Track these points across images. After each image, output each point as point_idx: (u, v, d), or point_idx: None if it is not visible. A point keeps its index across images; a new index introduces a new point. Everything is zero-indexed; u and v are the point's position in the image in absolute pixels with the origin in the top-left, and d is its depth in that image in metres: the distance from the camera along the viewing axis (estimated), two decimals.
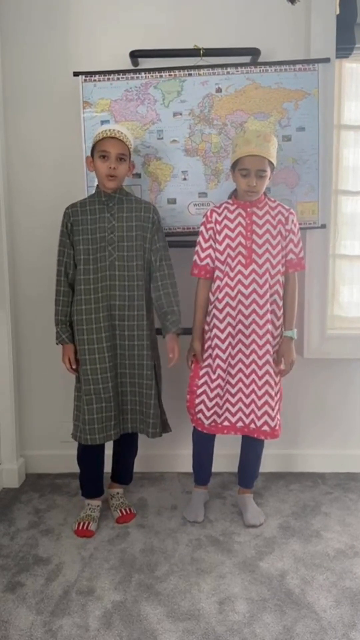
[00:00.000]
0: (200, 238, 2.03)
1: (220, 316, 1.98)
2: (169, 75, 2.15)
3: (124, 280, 1.97)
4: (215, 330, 1.99)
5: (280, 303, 2.00)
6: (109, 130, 1.92)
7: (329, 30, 2.17)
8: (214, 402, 2.00)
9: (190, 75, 2.15)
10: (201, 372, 2.03)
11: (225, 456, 2.32)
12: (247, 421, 2.01)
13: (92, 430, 1.96)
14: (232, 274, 1.96)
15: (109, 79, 2.15)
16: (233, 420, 2.02)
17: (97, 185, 2.02)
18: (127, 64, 2.20)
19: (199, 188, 2.22)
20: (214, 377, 2.00)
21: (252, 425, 2.01)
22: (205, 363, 2.02)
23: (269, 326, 1.96)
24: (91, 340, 1.96)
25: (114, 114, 2.17)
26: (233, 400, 2.02)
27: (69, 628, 1.58)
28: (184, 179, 2.21)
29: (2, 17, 2.22)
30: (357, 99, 2.36)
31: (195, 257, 2.03)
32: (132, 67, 2.20)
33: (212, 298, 2.02)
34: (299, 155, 2.18)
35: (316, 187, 2.20)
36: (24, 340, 2.44)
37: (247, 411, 2.00)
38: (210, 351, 2.01)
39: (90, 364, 1.96)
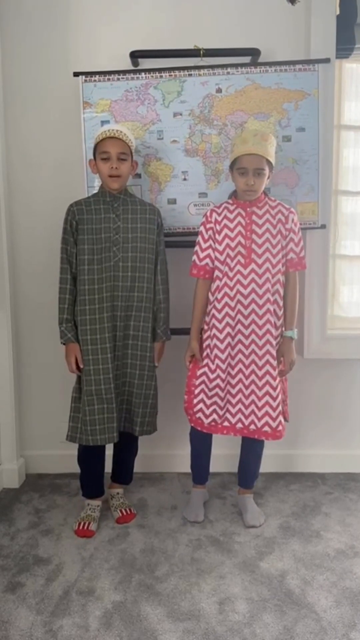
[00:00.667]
0: (199, 238, 2.03)
1: (219, 316, 1.98)
2: (169, 75, 2.15)
3: (127, 281, 1.97)
4: (214, 331, 1.99)
5: (281, 303, 1.99)
6: (109, 130, 1.92)
7: (329, 30, 2.18)
8: (212, 400, 2.00)
9: (190, 75, 2.15)
10: (198, 372, 2.03)
11: (225, 456, 2.32)
12: (246, 422, 2.00)
13: (93, 431, 1.96)
14: (231, 274, 1.96)
15: (109, 79, 2.15)
16: (233, 421, 2.02)
17: (101, 185, 2.01)
18: (128, 64, 2.20)
19: (199, 188, 2.22)
20: (212, 377, 1.99)
21: (252, 427, 2.00)
22: (204, 363, 2.02)
23: (269, 326, 1.95)
24: (94, 341, 1.95)
25: (114, 114, 2.17)
26: (233, 401, 2.01)
27: (69, 628, 1.58)
28: (184, 179, 2.21)
29: (3, 17, 2.22)
30: (357, 99, 2.37)
31: (195, 257, 2.03)
32: (132, 68, 2.20)
33: (211, 298, 2.02)
34: (299, 155, 2.18)
35: (316, 188, 2.20)
36: (24, 340, 2.44)
37: (247, 412, 2.00)
38: (208, 351, 2.01)
39: (93, 364, 1.96)
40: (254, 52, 2.15)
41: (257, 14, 2.20)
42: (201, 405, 2.02)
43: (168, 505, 2.24)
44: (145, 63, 2.20)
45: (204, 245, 2.01)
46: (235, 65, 2.14)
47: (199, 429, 2.05)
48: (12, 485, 2.39)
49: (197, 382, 2.03)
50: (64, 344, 1.99)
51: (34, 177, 2.33)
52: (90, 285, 1.95)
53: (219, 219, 1.99)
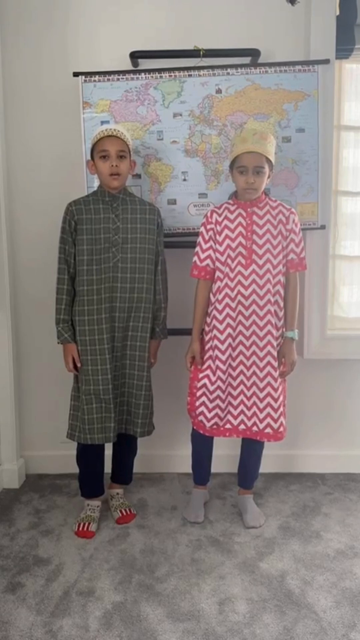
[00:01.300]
0: (200, 239, 2.02)
1: (220, 317, 1.98)
2: (169, 76, 2.15)
3: (127, 282, 1.96)
4: (215, 332, 1.99)
5: (282, 303, 1.99)
6: (106, 129, 1.92)
7: (329, 31, 2.18)
8: (214, 403, 1.99)
9: (190, 76, 2.15)
10: (200, 375, 2.03)
11: (225, 457, 2.32)
12: (249, 424, 2.00)
13: (91, 430, 1.97)
14: (232, 275, 1.96)
15: (109, 79, 2.15)
16: (235, 423, 2.02)
17: (100, 185, 2.01)
18: (127, 65, 2.20)
19: (199, 189, 2.22)
20: (213, 378, 1.99)
21: (255, 428, 2.00)
22: (205, 364, 2.02)
23: (270, 327, 1.95)
24: (93, 341, 1.95)
25: (114, 115, 2.17)
26: (235, 403, 2.01)
27: (69, 629, 1.59)
28: (184, 179, 2.21)
29: (3, 17, 2.22)
30: (356, 100, 2.37)
31: (195, 258, 2.02)
32: (132, 68, 2.20)
33: (212, 299, 2.02)
34: (298, 156, 2.18)
35: (316, 188, 2.20)
36: (24, 340, 2.44)
37: (249, 413, 2.00)
38: (210, 352, 2.01)
39: (92, 365, 1.96)
40: (253, 53, 2.15)
41: (257, 15, 2.20)
42: (203, 408, 2.01)
43: (168, 505, 2.24)
44: (145, 63, 2.20)
45: (204, 246, 2.01)
46: (235, 66, 2.14)
47: (201, 431, 2.05)
48: (12, 485, 2.39)
49: (199, 385, 2.02)
50: (60, 343, 1.99)
51: (34, 177, 2.33)
52: (89, 286, 1.95)
53: (220, 219, 1.98)
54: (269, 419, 1.98)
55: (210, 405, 2.00)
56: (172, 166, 2.20)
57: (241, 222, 1.96)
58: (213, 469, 2.21)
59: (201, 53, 2.14)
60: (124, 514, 2.13)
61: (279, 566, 1.86)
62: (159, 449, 2.44)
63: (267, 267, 1.94)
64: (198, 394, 2.02)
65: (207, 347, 2.02)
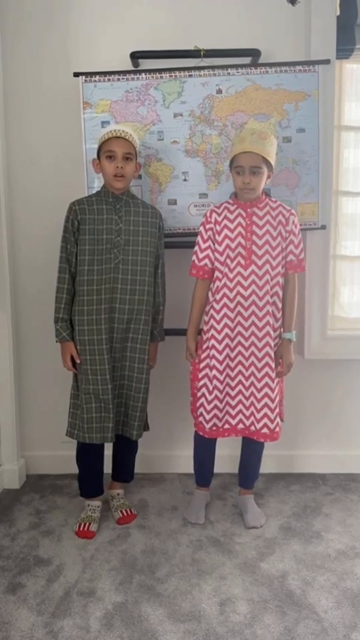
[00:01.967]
0: (199, 238, 2.02)
1: (218, 317, 1.97)
2: (170, 76, 2.15)
3: (127, 283, 1.96)
4: (212, 331, 1.99)
5: (280, 305, 1.99)
6: (115, 130, 1.92)
7: (329, 31, 2.18)
8: (213, 404, 1.99)
9: (190, 76, 2.15)
10: (200, 375, 2.03)
11: (226, 457, 2.32)
12: (247, 423, 2.01)
13: (90, 429, 1.97)
14: (231, 275, 1.96)
15: (109, 79, 2.15)
16: (233, 422, 2.02)
17: (104, 185, 2.01)
18: (128, 65, 2.20)
19: (199, 189, 2.22)
20: (211, 378, 1.99)
21: (253, 428, 2.00)
22: (204, 364, 2.02)
23: (268, 328, 1.95)
24: (91, 341, 1.95)
25: (114, 115, 2.17)
26: (233, 403, 2.01)
27: (70, 629, 1.58)
28: (185, 179, 2.21)
29: (3, 17, 2.22)
30: (357, 100, 2.36)
31: (194, 257, 2.02)
32: (132, 68, 2.20)
33: (210, 298, 2.02)
34: (299, 156, 2.18)
35: (316, 188, 2.20)
36: (25, 340, 2.44)
37: (247, 413, 2.00)
38: (208, 352, 2.01)
39: (91, 365, 1.96)
40: (254, 53, 2.15)
41: (257, 15, 2.20)
42: (202, 409, 2.02)
43: (168, 506, 2.24)
44: (146, 64, 2.20)
45: (203, 246, 2.01)
46: (236, 66, 2.14)
47: (201, 433, 2.05)
48: (13, 486, 2.39)
49: (199, 385, 2.02)
50: (58, 342, 1.99)
51: (34, 177, 2.33)
52: (90, 286, 1.95)
53: (219, 219, 1.98)
54: (265, 419, 1.98)
55: (209, 407, 2.00)
56: (173, 166, 2.20)
57: (241, 222, 1.96)
58: (214, 470, 2.20)
59: (201, 53, 2.14)
60: (125, 514, 2.13)
61: (279, 566, 1.86)
62: (159, 450, 2.44)
63: (266, 268, 1.94)
64: (198, 394, 2.03)
65: (205, 347, 2.02)
